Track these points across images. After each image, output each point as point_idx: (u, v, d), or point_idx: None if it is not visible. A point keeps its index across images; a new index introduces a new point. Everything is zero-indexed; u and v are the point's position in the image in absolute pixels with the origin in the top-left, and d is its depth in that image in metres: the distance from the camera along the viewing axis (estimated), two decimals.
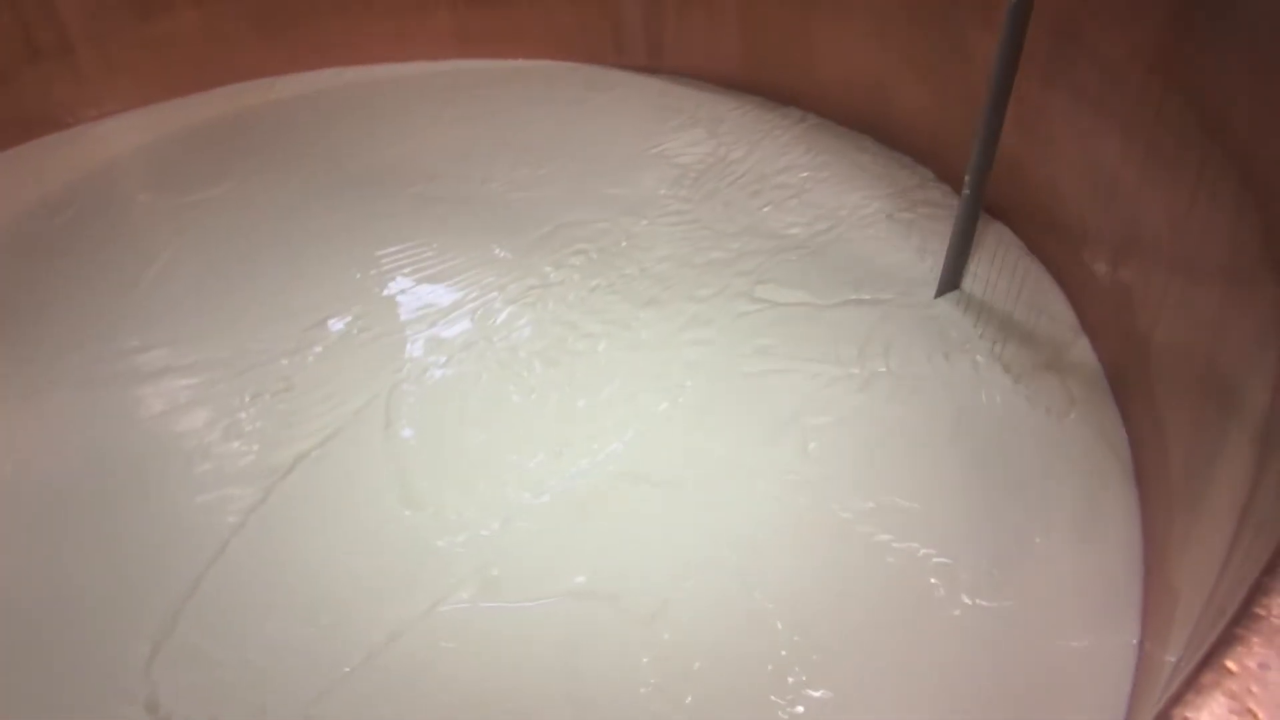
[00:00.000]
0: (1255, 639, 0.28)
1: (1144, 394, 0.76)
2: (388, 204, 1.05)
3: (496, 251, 0.97)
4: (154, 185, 1.13)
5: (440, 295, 0.92)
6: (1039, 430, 0.78)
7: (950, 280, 0.91)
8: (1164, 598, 0.64)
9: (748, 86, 1.20)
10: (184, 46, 1.25)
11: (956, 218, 0.88)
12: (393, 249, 0.99)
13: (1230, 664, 0.28)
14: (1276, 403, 0.54)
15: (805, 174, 1.07)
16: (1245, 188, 0.64)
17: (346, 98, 1.25)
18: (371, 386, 0.83)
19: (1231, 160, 0.65)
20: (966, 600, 0.67)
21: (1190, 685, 0.27)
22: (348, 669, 0.65)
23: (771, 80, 1.19)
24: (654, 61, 1.25)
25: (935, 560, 0.69)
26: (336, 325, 0.89)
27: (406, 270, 0.96)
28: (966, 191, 0.86)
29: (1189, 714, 0.27)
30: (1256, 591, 0.30)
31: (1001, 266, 0.93)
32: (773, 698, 0.62)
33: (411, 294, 0.93)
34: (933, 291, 0.90)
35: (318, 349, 0.87)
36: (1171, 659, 0.55)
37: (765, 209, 1.02)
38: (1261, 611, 0.30)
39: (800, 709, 0.62)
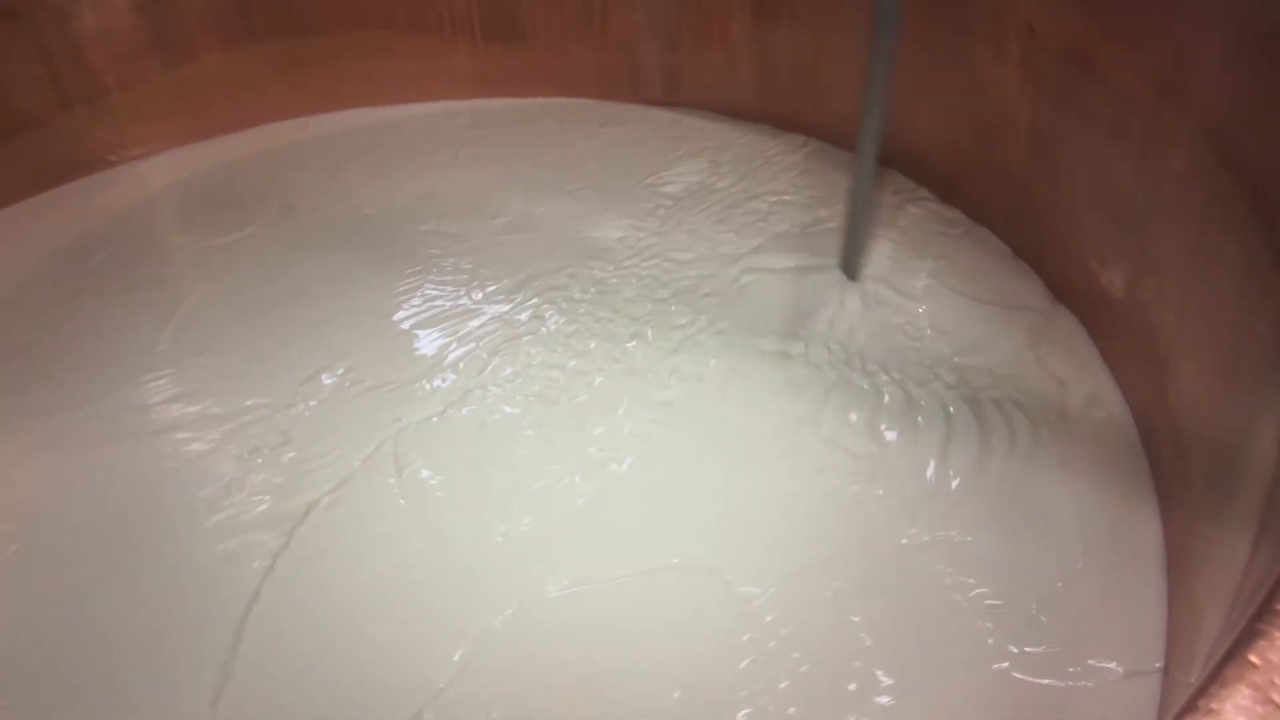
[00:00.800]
0: (1277, 633, 0.29)
1: (1164, 415, 0.77)
2: (397, 246, 1.07)
3: (481, 299, 0.99)
4: (180, 229, 1.15)
5: (429, 345, 0.94)
6: (1060, 457, 0.79)
7: (850, 264, 0.95)
8: (1188, 618, 0.64)
9: (762, 117, 1.22)
10: (210, 90, 1.27)
11: (849, 199, 0.93)
12: (393, 295, 1.00)
13: (1253, 658, 0.29)
14: None
15: (789, 197, 1.10)
16: (1256, 210, 0.65)
17: (367, 139, 1.28)
18: (375, 435, 0.85)
19: (1243, 183, 0.66)
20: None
21: (1214, 678, 0.28)
22: (440, 684, 0.67)
23: (784, 110, 1.21)
24: (670, 96, 1.27)
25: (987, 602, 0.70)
26: (329, 379, 0.90)
27: (401, 319, 0.97)
28: (860, 165, 0.90)
29: (1214, 705, 0.27)
30: (1278, 588, 0.31)
31: (1011, 294, 0.95)
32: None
33: (400, 344, 0.94)
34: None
35: (312, 403, 0.88)
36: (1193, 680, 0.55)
37: (727, 234, 1.05)
38: None
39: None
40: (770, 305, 0.96)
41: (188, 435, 0.86)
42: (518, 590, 0.72)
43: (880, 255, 1.00)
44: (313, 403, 0.88)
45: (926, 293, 0.96)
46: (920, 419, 0.83)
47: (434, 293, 1.00)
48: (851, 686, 0.65)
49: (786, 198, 1.11)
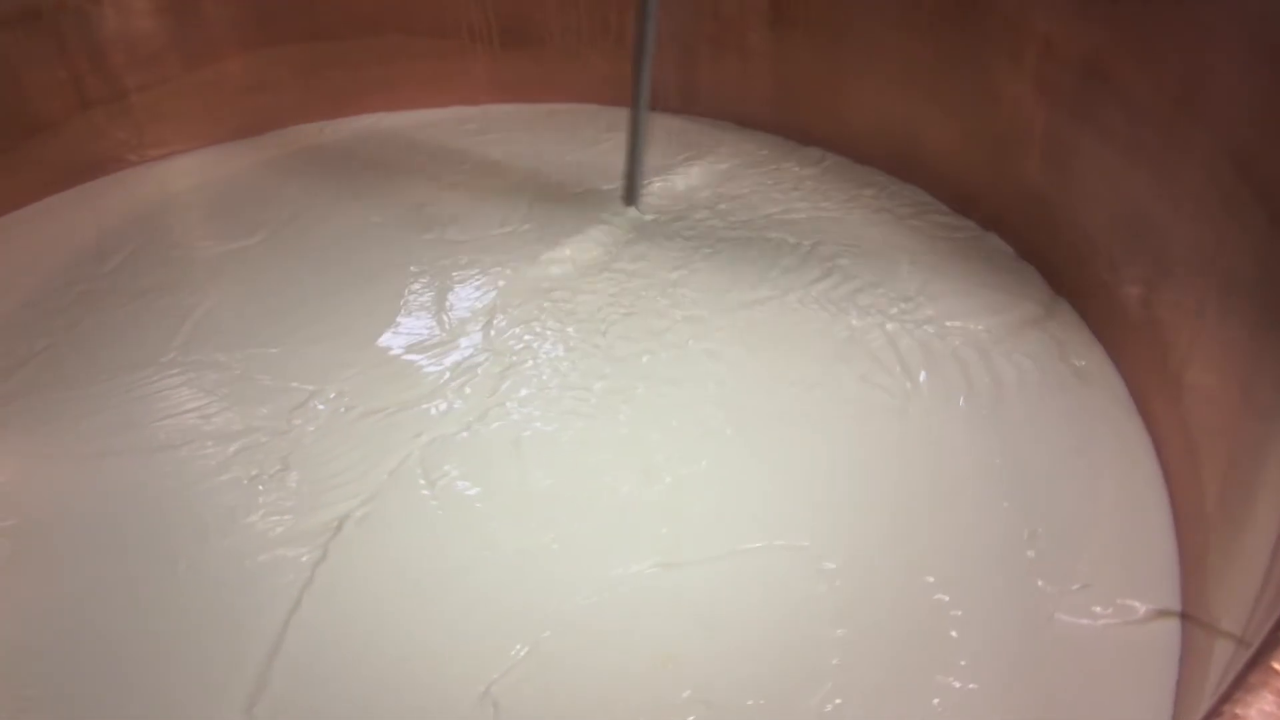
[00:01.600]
0: None
1: (1178, 426, 0.77)
2: (401, 253, 1.07)
3: (483, 310, 0.99)
4: (193, 234, 1.15)
5: (431, 366, 0.93)
6: (1075, 469, 0.80)
7: (629, 193, 1.10)
8: (1201, 639, 0.65)
9: (777, 128, 1.23)
10: (229, 94, 1.28)
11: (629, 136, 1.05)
12: (393, 310, 1.00)
13: (1277, 665, 0.29)
14: None
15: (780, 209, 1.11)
16: (1274, 221, 0.65)
17: (382, 143, 1.29)
18: (397, 451, 0.84)
19: (1260, 194, 0.67)
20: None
21: (1239, 684, 0.28)
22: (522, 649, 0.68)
23: (800, 122, 1.21)
24: (687, 105, 1.28)
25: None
26: (320, 406, 0.89)
27: (398, 337, 0.96)
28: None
29: (1239, 711, 0.28)
30: None
31: (1027, 308, 0.95)
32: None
33: (399, 365, 0.93)
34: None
35: (310, 427, 0.87)
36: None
37: (703, 250, 1.06)
38: None
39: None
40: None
41: (202, 450, 0.85)
42: (574, 584, 0.73)
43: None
44: (316, 423, 0.88)
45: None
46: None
47: (440, 304, 1.00)
48: (937, 651, 0.68)
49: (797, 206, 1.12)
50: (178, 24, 1.23)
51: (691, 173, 1.18)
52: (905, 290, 0.98)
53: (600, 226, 1.10)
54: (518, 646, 0.69)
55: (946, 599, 0.71)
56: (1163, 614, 0.69)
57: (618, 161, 1.14)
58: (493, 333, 0.96)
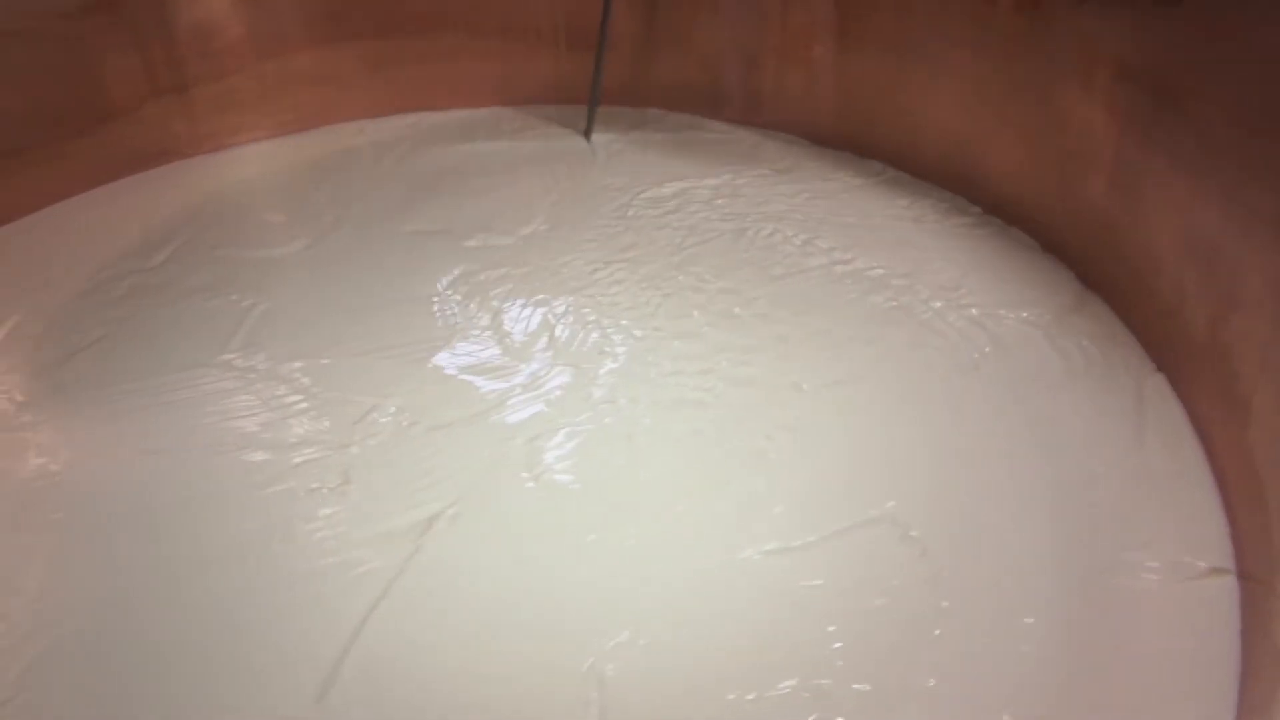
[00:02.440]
0: None
1: (1243, 461, 0.76)
2: (444, 260, 1.08)
3: (529, 320, 0.99)
4: (247, 230, 1.16)
5: (496, 380, 0.92)
6: (1132, 502, 0.79)
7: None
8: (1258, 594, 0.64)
9: (840, 143, 1.23)
10: (296, 87, 1.30)
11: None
12: (445, 321, 0.99)
13: None
14: None
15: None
16: None
17: (438, 140, 1.30)
18: (490, 450, 0.84)
19: None
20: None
21: None
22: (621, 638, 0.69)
23: (862, 137, 1.21)
24: (749, 116, 1.28)
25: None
26: (382, 419, 0.88)
27: (456, 356, 0.95)
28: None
29: None
30: None
31: (1093, 335, 0.94)
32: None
33: (458, 382, 0.92)
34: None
35: (373, 441, 0.85)
36: None
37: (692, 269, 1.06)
38: None
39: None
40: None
41: (265, 456, 0.85)
42: (677, 571, 0.74)
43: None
44: (381, 435, 0.87)
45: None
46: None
47: (490, 312, 1.00)
48: (1028, 620, 0.70)
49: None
50: (250, 15, 1.25)
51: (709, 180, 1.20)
52: (944, 281, 1.01)
53: (599, 223, 1.12)
54: (623, 632, 0.69)
55: (1029, 562, 0.73)
56: (1219, 571, 0.72)
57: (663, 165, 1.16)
58: (553, 338, 0.96)
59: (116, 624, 0.72)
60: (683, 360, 0.93)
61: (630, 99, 1.34)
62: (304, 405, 0.89)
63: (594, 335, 0.96)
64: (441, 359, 0.94)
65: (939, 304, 0.97)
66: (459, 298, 1.02)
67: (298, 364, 0.94)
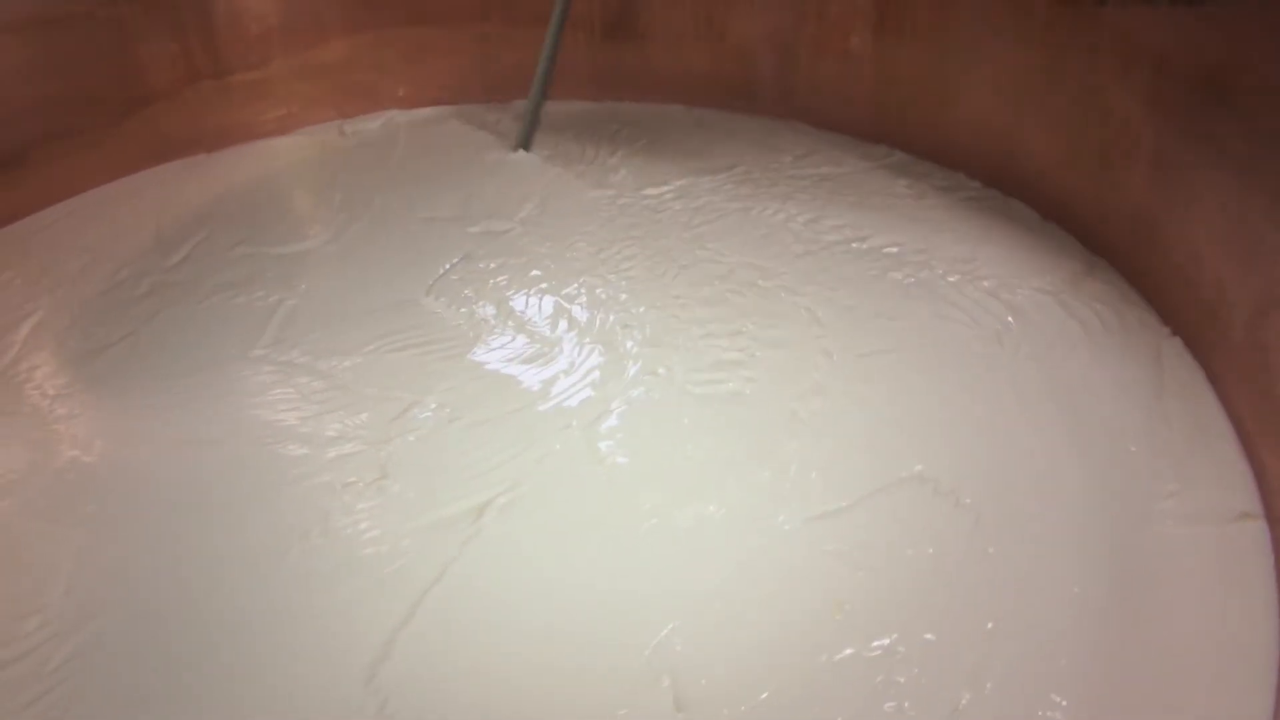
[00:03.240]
0: None
1: (1271, 411, 0.75)
2: (457, 247, 1.08)
3: (553, 306, 0.99)
4: (275, 222, 1.15)
5: (536, 370, 0.92)
6: (1158, 455, 0.80)
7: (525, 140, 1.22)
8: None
9: (876, 135, 1.22)
10: (332, 76, 1.31)
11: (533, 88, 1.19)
12: (470, 313, 0.99)
13: None
14: None
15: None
16: None
17: (461, 134, 1.30)
18: (536, 443, 0.84)
19: None
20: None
21: None
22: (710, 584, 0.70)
23: (899, 129, 1.20)
24: (783, 107, 1.27)
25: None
26: (423, 414, 0.87)
27: (491, 351, 0.95)
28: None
29: None
30: None
31: (1106, 299, 0.95)
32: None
33: (499, 377, 0.91)
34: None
35: (412, 436, 0.85)
36: None
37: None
38: None
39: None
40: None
41: (303, 450, 0.84)
42: (733, 544, 0.75)
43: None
44: (422, 430, 0.86)
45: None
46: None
47: (515, 304, 1.00)
48: (1070, 563, 0.72)
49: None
50: (288, 3, 1.25)
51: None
52: (957, 255, 1.02)
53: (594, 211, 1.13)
54: (687, 609, 0.70)
55: (1063, 513, 0.76)
56: (1247, 516, 0.75)
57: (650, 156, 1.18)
58: (577, 320, 0.96)
59: (158, 614, 0.72)
60: (711, 324, 0.95)
61: (666, 92, 1.33)
62: (342, 400, 0.89)
63: (612, 315, 0.97)
64: (478, 354, 0.94)
65: (955, 278, 0.99)
66: (475, 290, 1.02)
67: (334, 361, 0.94)
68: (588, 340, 0.94)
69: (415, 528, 0.77)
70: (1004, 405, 0.85)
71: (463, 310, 0.99)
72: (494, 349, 0.94)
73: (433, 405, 0.88)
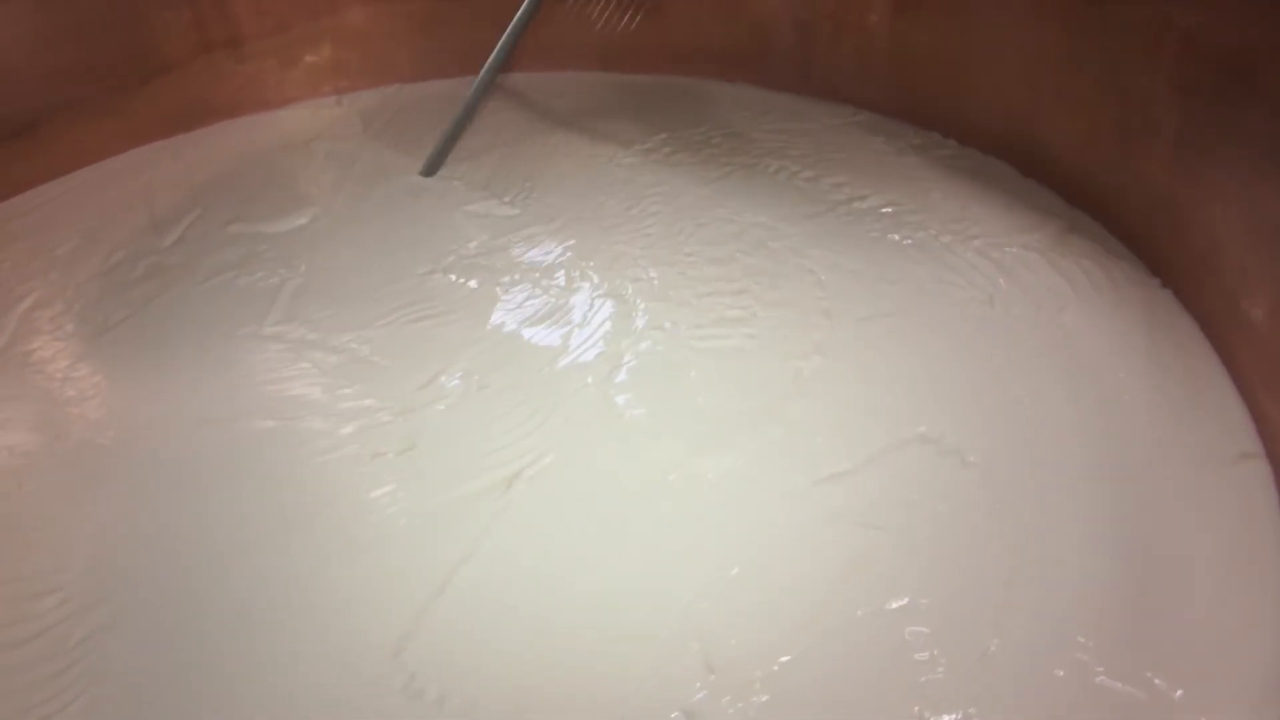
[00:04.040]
0: None
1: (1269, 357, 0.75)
2: (459, 222, 1.08)
3: (563, 269, 1.00)
4: (282, 195, 1.14)
5: (552, 332, 0.92)
6: (1156, 403, 0.82)
7: (435, 164, 1.16)
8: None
9: (892, 111, 1.20)
10: (347, 45, 1.30)
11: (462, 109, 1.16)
12: (482, 281, 0.99)
13: None
14: None
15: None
16: None
17: (483, 106, 1.29)
18: (559, 408, 0.84)
19: None
20: None
21: None
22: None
23: (917, 107, 1.18)
24: (801, 84, 1.26)
25: None
26: (451, 382, 0.88)
27: (509, 313, 0.95)
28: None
29: None
30: None
31: (1092, 254, 0.97)
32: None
33: (519, 341, 0.92)
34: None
35: (440, 405, 0.85)
36: None
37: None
38: None
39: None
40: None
41: (324, 424, 0.84)
42: (756, 504, 0.76)
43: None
44: (450, 399, 0.87)
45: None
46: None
47: (525, 270, 1.01)
48: (1079, 512, 0.74)
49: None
50: None
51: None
52: (949, 214, 1.04)
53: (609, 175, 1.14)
54: (711, 571, 0.71)
55: (1066, 463, 0.78)
56: (1248, 456, 0.77)
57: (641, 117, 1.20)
58: (592, 282, 0.97)
59: (184, 589, 0.72)
60: (716, 282, 0.97)
61: (683, 65, 1.32)
62: (364, 373, 0.89)
63: (627, 277, 0.98)
64: (496, 318, 0.94)
65: (948, 238, 1.00)
66: (484, 258, 1.02)
67: (348, 335, 0.93)
68: (599, 295, 0.96)
69: (445, 501, 0.77)
70: (1000, 365, 0.87)
71: (472, 279, 0.99)
72: (510, 310, 0.95)
73: (459, 373, 0.88)
